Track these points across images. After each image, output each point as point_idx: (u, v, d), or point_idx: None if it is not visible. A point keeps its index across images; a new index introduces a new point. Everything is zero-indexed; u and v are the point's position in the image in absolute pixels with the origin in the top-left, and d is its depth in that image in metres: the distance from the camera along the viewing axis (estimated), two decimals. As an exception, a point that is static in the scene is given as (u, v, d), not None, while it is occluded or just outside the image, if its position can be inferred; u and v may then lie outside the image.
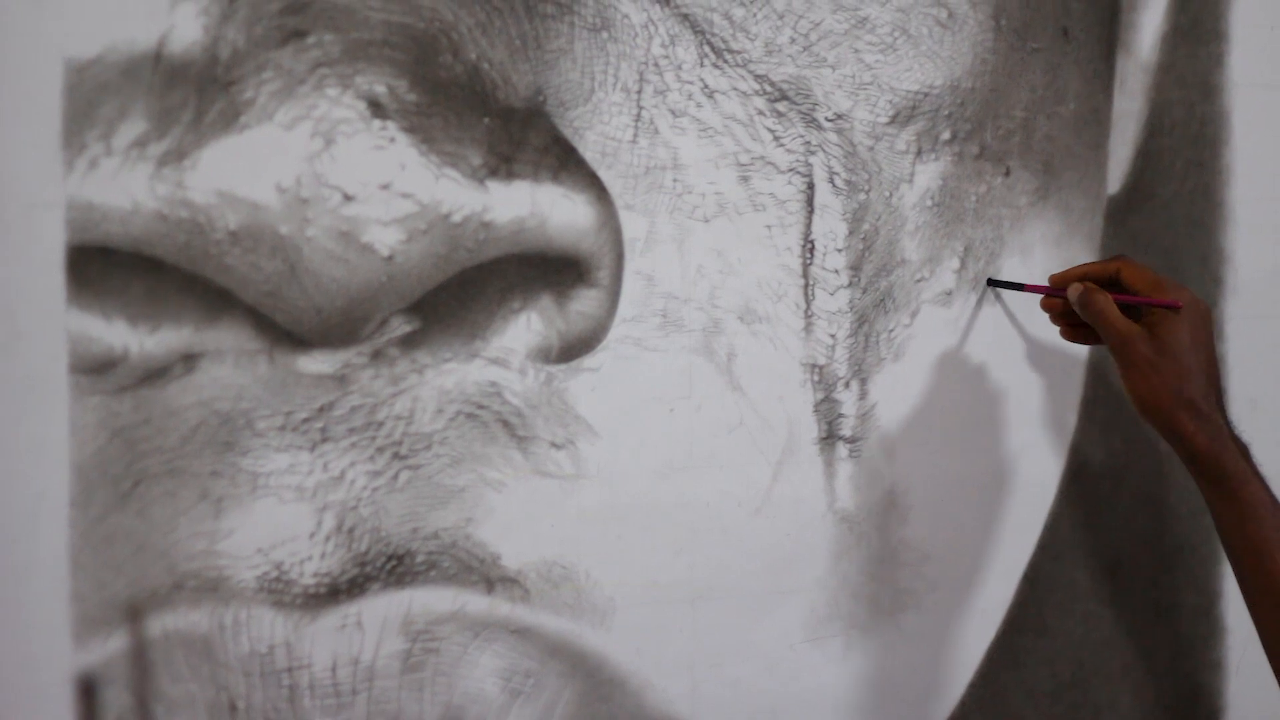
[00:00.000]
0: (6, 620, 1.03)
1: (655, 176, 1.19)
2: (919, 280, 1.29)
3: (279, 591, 1.09)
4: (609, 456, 1.19)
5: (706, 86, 1.20)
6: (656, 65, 1.18)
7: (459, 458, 1.14)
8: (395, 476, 1.12)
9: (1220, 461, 1.20)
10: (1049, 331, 1.34)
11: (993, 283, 1.32)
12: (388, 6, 1.08)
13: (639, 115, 1.18)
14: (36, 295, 1.03)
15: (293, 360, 1.09)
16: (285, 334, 1.08)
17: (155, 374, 1.06)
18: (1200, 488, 1.23)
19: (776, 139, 1.23)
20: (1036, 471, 1.37)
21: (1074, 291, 1.26)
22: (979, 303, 1.33)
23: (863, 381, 1.28)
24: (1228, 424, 1.22)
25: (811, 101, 1.24)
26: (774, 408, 1.24)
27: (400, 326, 1.11)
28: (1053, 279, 1.30)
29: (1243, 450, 1.22)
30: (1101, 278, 1.27)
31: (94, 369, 1.04)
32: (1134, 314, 1.24)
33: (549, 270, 1.15)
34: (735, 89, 1.21)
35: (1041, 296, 1.31)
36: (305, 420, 1.09)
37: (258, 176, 1.06)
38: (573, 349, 1.17)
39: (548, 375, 1.16)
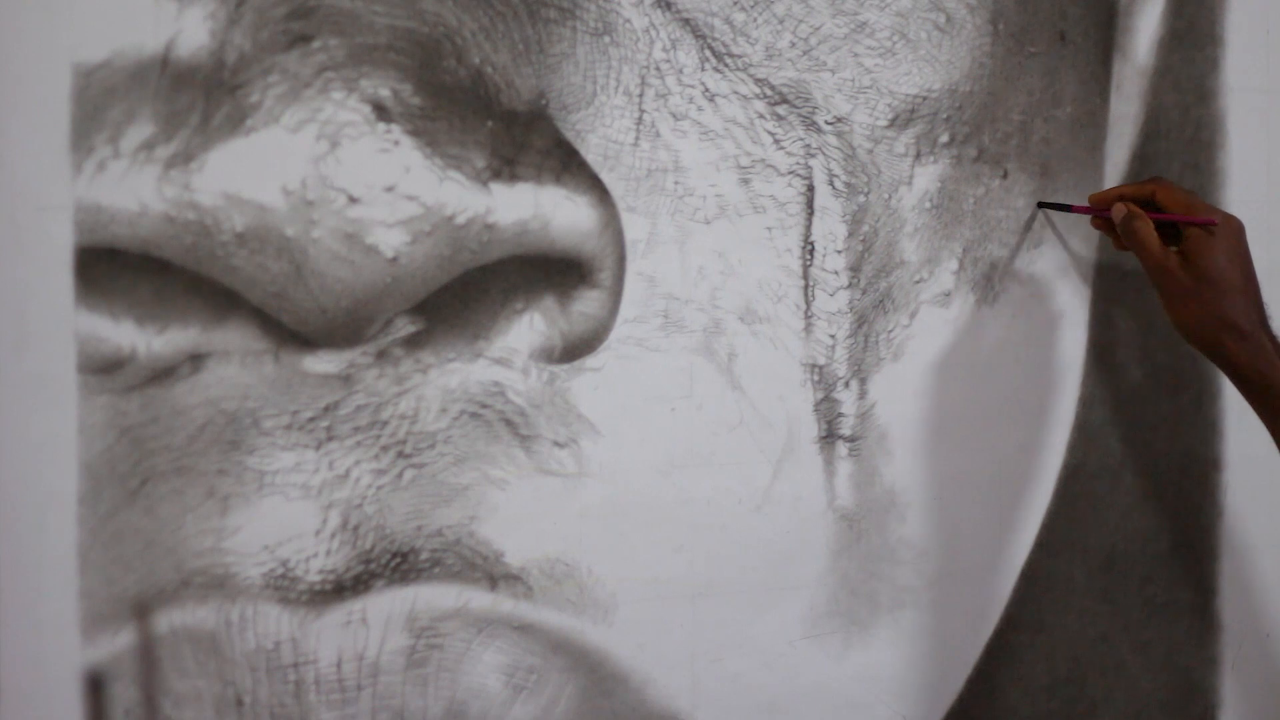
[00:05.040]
0: (16, 616, 1.04)
1: (657, 179, 1.20)
2: (918, 281, 1.30)
3: (285, 588, 1.09)
4: (611, 455, 1.19)
5: (707, 90, 1.21)
6: (658, 69, 1.19)
7: (463, 456, 1.14)
8: (400, 475, 1.13)
9: (1267, 378, 1.23)
10: (1046, 330, 1.35)
11: (1042, 205, 1.34)
12: (392, 11, 1.09)
13: (641, 118, 1.18)
14: (46, 296, 1.03)
15: (298, 360, 1.09)
16: (291, 334, 1.08)
17: (163, 374, 1.06)
18: (1254, 408, 1.25)
19: (777, 142, 1.24)
20: (1034, 469, 1.38)
21: (1118, 212, 1.28)
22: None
23: (862, 381, 1.28)
24: (1272, 338, 1.24)
25: (811, 105, 1.24)
26: (774, 407, 1.25)
27: (405, 327, 1.12)
28: (1092, 199, 1.33)
29: None
30: (1137, 199, 1.29)
31: (102, 369, 1.05)
32: (1172, 233, 1.27)
33: (552, 271, 1.15)
34: (736, 92, 1.22)
35: (1090, 217, 1.34)
36: (311, 419, 1.10)
37: (264, 179, 1.06)
38: (575, 349, 1.17)
39: (550, 375, 1.17)
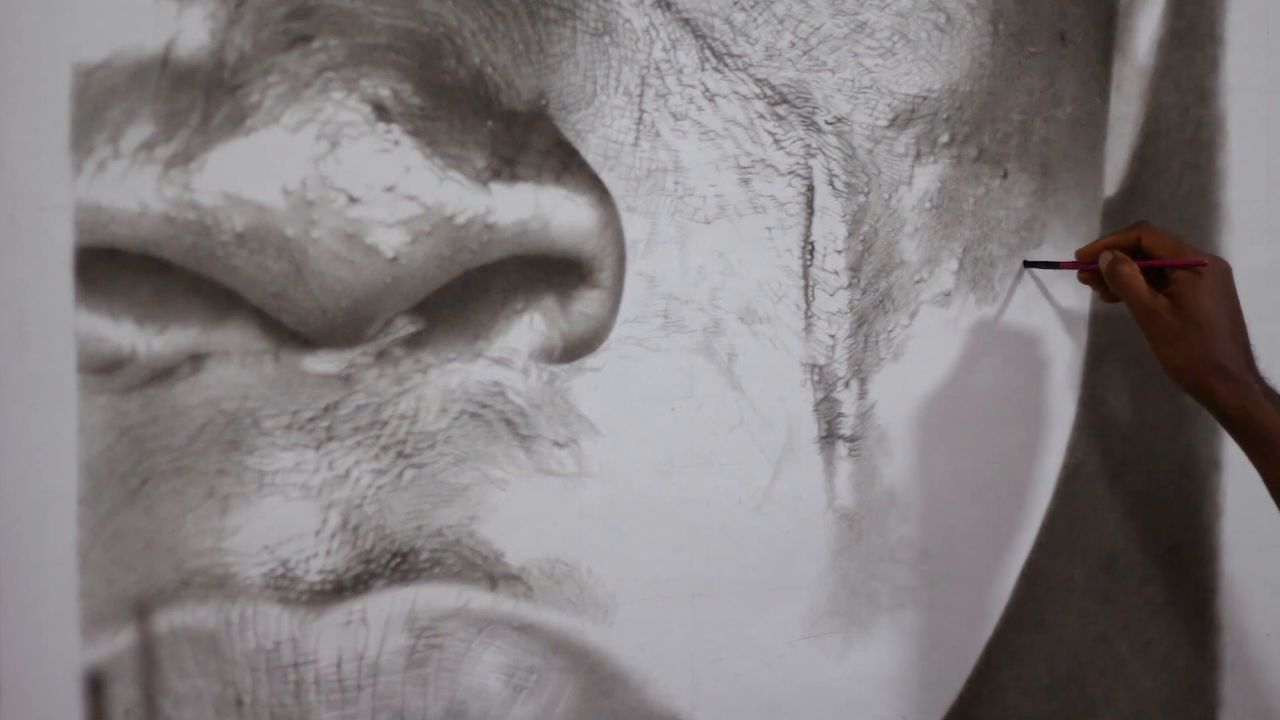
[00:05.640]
0: (16, 616, 1.04)
1: (657, 179, 1.20)
2: (918, 281, 1.30)
3: (285, 588, 1.09)
4: (611, 455, 1.19)
5: (707, 90, 1.21)
6: (658, 69, 1.19)
7: (463, 456, 1.14)
8: (400, 475, 1.13)
9: (1254, 420, 1.23)
10: (1046, 330, 1.35)
11: (1029, 264, 1.34)
12: (392, 11, 1.09)
13: (641, 118, 1.18)
14: (46, 296, 1.03)
15: (298, 360, 1.09)
16: (291, 334, 1.08)
17: (163, 374, 1.06)
18: (1243, 449, 1.25)
19: (777, 142, 1.24)
20: (1034, 470, 1.38)
21: (1104, 261, 1.29)
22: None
23: (862, 381, 1.28)
24: (1259, 380, 1.25)
25: (811, 105, 1.25)
26: (774, 407, 1.25)
27: (405, 327, 1.12)
28: (1079, 253, 1.33)
29: (1277, 403, 1.24)
30: (1123, 245, 1.29)
31: (102, 369, 1.05)
32: (1159, 276, 1.27)
33: (552, 271, 1.15)
34: (736, 92, 1.22)
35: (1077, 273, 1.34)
36: (311, 419, 1.10)
37: (264, 179, 1.06)
38: (575, 349, 1.17)
39: (550, 375, 1.17)
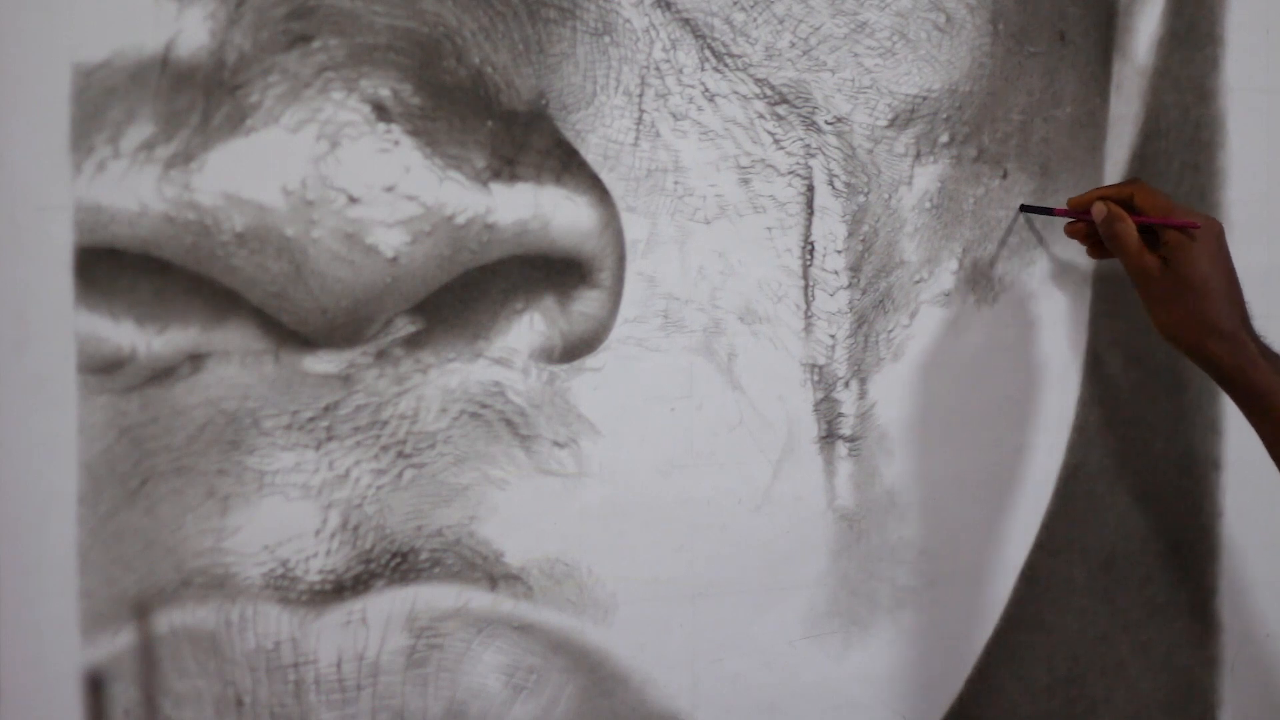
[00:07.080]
0: (16, 616, 1.04)
1: (657, 179, 1.20)
2: (918, 281, 1.30)
3: (285, 588, 1.10)
4: (611, 455, 1.19)
5: (707, 90, 1.21)
6: (658, 69, 1.19)
7: (463, 456, 1.14)
8: (400, 475, 1.13)
9: (1250, 379, 1.23)
10: (1046, 330, 1.35)
11: (1025, 208, 1.34)
12: (392, 11, 1.09)
13: (640, 118, 1.18)
14: (46, 296, 1.03)
15: (298, 360, 1.09)
16: (291, 334, 1.08)
17: (163, 374, 1.06)
18: (1239, 407, 1.26)
19: (777, 142, 1.24)
20: (1034, 470, 1.38)
21: (1099, 211, 1.28)
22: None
23: (862, 381, 1.28)
24: (1255, 339, 1.25)
25: (811, 105, 1.25)
26: (774, 407, 1.25)
27: (405, 327, 1.12)
28: (1071, 201, 1.32)
29: (1274, 363, 1.24)
30: (1117, 200, 1.29)
31: (102, 369, 1.05)
32: (1150, 235, 1.27)
33: (552, 271, 1.15)
34: (736, 92, 1.22)
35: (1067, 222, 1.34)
36: (311, 419, 1.10)
37: (264, 179, 1.06)
38: (575, 349, 1.17)
39: (550, 375, 1.17)
